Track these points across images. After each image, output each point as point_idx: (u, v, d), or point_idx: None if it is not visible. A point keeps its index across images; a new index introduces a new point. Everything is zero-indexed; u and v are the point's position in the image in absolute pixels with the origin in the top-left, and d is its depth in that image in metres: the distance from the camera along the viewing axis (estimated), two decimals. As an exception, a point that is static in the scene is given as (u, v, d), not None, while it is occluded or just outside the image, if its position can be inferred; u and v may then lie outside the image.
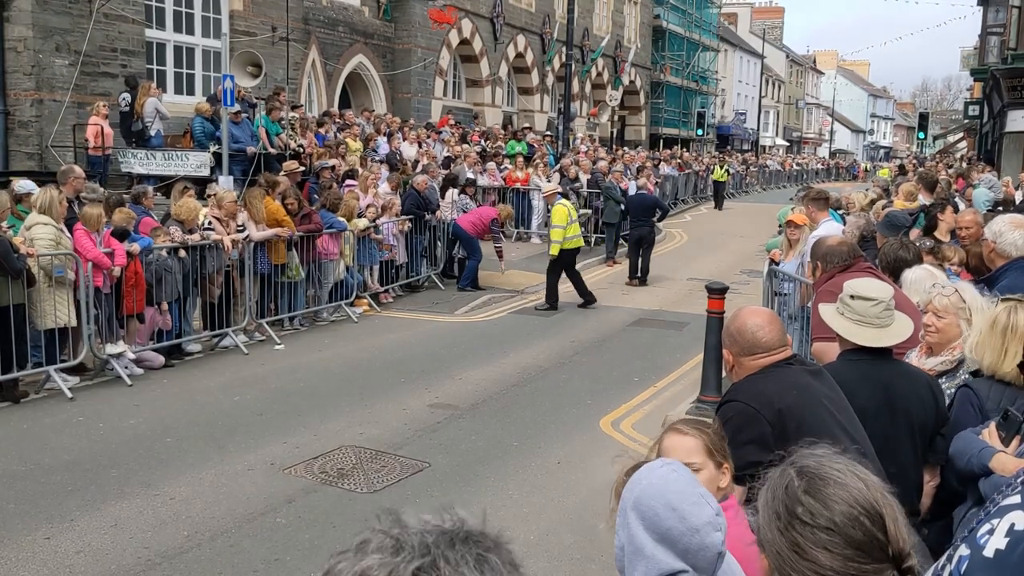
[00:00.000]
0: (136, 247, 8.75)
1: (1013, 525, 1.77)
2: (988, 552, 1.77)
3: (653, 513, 1.90)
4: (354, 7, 23.51)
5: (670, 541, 1.87)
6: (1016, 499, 1.83)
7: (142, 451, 6.71)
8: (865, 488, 1.49)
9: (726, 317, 8.12)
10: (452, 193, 15.68)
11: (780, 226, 9.49)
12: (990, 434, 2.96)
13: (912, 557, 1.46)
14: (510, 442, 7.15)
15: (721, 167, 32.13)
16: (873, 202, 11.02)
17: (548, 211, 13.19)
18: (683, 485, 1.93)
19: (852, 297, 3.36)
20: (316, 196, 12.51)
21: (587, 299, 12.74)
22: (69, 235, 8.30)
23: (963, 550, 1.84)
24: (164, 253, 9.12)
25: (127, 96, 14.65)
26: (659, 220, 17.01)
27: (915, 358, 3.89)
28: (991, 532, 1.80)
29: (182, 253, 9.31)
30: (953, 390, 3.61)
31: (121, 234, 8.76)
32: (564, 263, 12.65)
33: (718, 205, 30.74)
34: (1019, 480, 1.93)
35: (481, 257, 13.99)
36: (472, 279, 13.81)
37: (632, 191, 17.84)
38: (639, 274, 15.04)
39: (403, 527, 1.02)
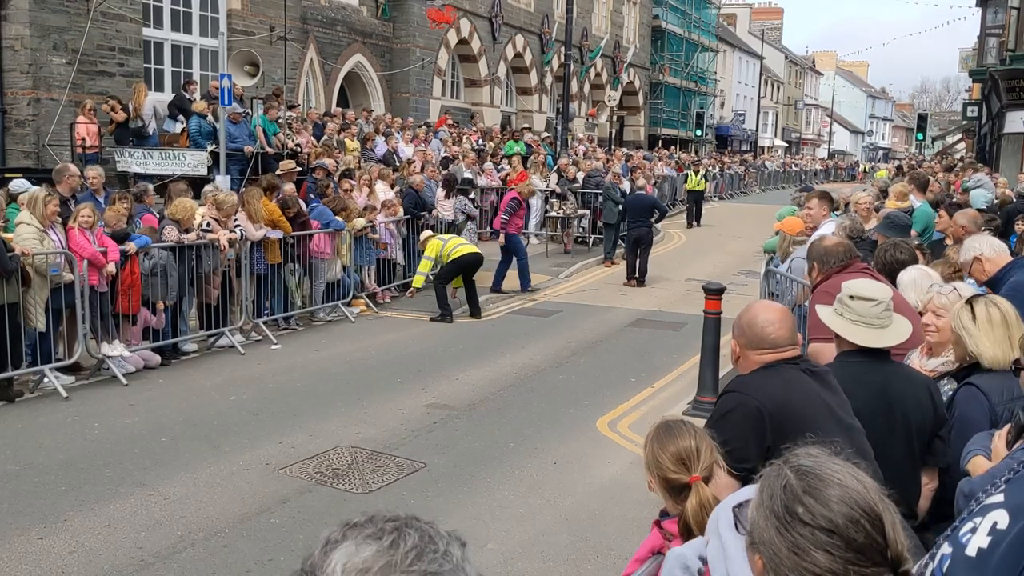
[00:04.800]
0: (132, 246, 8.73)
1: (995, 524, 1.75)
2: (970, 551, 1.75)
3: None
4: (352, 6, 23.47)
5: None
6: (999, 498, 1.81)
7: (137, 451, 6.68)
8: (864, 490, 1.46)
9: (724, 318, 8.12)
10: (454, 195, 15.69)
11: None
12: (999, 437, 2.94)
13: (909, 561, 1.44)
14: (507, 443, 7.12)
15: (697, 173, 25.54)
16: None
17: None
18: None
19: (852, 297, 3.34)
20: (312, 196, 12.47)
21: (476, 310, 12.09)
22: (55, 237, 8.23)
23: (946, 548, 1.82)
24: (155, 251, 9.08)
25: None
26: (657, 221, 16.98)
27: (916, 359, 3.87)
28: (973, 531, 1.78)
29: (168, 259, 9.24)
30: (951, 392, 3.59)
31: (122, 236, 8.74)
32: (458, 272, 11.90)
33: (693, 220, 24.57)
34: (1002, 479, 1.90)
35: (525, 255, 13.96)
36: (525, 278, 13.82)
37: (627, 188, 17.81)
38: (636, 275, 15.02)
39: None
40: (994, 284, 4.95)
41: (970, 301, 3.48)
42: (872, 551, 1.40)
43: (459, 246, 11.93)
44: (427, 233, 12.44)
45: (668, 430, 2.54)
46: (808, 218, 7.25)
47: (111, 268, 8.48)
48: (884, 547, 1.41)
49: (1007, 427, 2.94)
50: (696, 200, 25.03)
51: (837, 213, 8.84)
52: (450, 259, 11.78)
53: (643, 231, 15.10)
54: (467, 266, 11.88)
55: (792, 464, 1.50)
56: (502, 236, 13.74)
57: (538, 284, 14.38)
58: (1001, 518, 1.74)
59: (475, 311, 12.04)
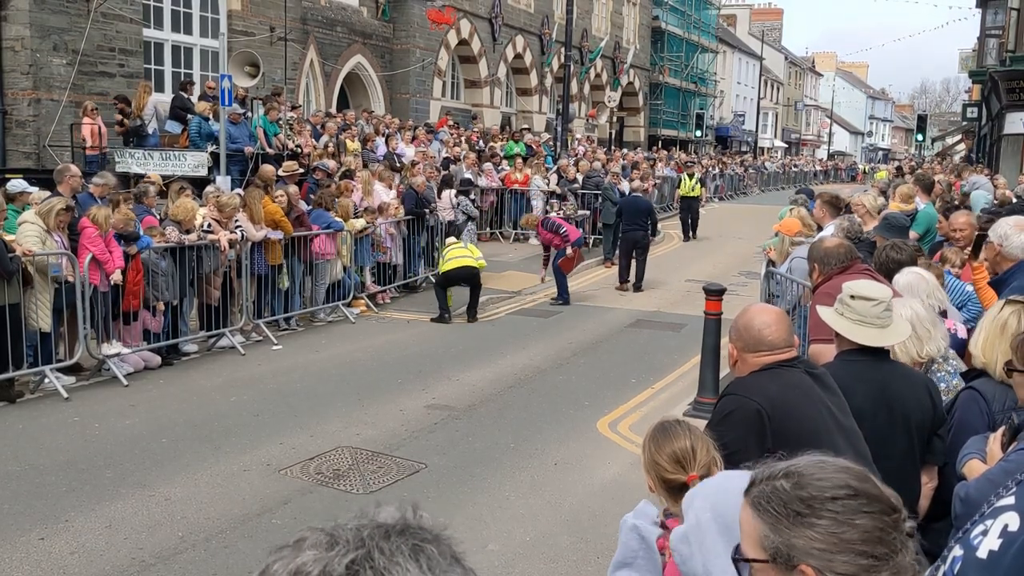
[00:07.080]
0: (133, 248, 8.72)
1: (1007, 526, 1.76)
2: (981, 553, 1.76)
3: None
4: (352, 7, 23.49)
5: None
6: (1011, 500, 1.82)
7: (138, 451, 6.68)
8: (830, 457, 1.47)
9: (724, 319, 8.12)
10: (449, 194, 15.66)
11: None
12: (995, 440, 2.95)
13: (903, 509, 1.43)
14: (507, 443, 7.12)
15: (692, 177, 22.25)
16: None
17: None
18: None
19: (853, 297, 3.36)
20: (312, 197, 12.47)
21: (471, 314, 11.93)
22: (57, 238, 8.22)
23: (957, 551, 1.83)
24: (154, 253, 9.07)
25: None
26: (652, 234, 16.11)
27: None
28: (984, 533, 1.79)
29: (170, 260, 9.23)
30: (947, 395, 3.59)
31: (131, 238, 8.73)
32: (452, 282, 11.94)
33: (690, 233, 21.71)
34: (1013, 482, 1.91)
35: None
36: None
37: (625, 189, 17.73)
38: (629, 279, 14.66)
39: (340, 524, 1.02)
40: (998, 284, 4.90)
41: (1009, 300, 3.44)
42: (885, 501, 1.40)
43: (454, 259, 11.85)
44: (451, 240, 12.59)
45: (664, 431, 2.56)
46: (818, 220, 7.26)
47: (118, 276, 8.46)
48: (884, 494, 1.41)
49: (1002, 429, 2.95)
50: (690, 208, 21.97)
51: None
52: (444, 268, 11.84)
53: (639, 235, 14.70)
54: (458, 280, 11.88)
55: (763, 478, 1.46)
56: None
57: (539, 285, 14.39)
58: (1012, 520, 1.75)
59: (470, 315, 11.94)
